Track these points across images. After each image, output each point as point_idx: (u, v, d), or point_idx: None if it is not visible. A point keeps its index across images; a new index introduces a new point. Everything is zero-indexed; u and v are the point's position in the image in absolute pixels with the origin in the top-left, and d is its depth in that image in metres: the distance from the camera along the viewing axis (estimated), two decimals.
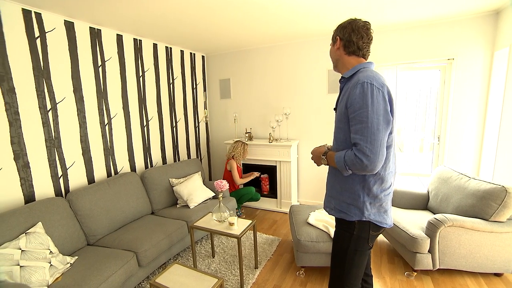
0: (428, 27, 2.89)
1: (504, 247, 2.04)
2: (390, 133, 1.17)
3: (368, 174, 1.18)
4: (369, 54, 1.30)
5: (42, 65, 2.20)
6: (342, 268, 1.29)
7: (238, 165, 3.49)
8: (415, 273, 2.24)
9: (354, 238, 1.25)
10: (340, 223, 1.32)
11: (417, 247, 2.10)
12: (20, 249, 1.70)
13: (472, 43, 2.74)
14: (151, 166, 3.36)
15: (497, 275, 2.18)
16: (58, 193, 2.36)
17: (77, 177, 2.51)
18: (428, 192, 2.77)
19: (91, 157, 2.62)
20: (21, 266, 1.63)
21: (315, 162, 1.37)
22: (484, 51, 2.70)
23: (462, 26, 2.75)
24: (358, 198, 1.21)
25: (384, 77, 3.23)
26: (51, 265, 1.76)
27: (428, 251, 2.12)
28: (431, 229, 2.11)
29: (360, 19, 1.27)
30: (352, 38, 1.24)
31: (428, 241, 2.09)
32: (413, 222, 2.36)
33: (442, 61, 2.98)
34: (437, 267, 2.12)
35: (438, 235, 2.08)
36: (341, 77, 1.31)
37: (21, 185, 2.11)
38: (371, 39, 1.27)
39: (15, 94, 2.05)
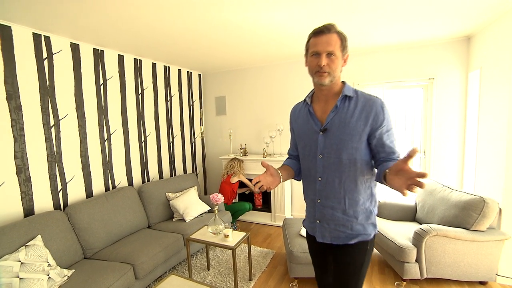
0: (411, 49, 3.13)
1: (486, 255, 2.15)
2: None
3: (374, 187, 1.22)
4: None
5: (48, 84, 2.33)
6: (357, 283, 1.26)
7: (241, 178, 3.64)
8: (405, 283, 2.31)
9: (368, 254, 1.24)
10: (354, 247, 1.21)
11: (405, 256, 2.19)
12: (20, 261, 1.74)
13: (450, 64, 2.97)
14: (148, 180, 3.43)
15: (482, 283, 2.27)
16: (57, 207, 2.42)
17: (76, 191, 2.57)
18: (416, 204, 2.89)
19: (90, 172, 2.70)
20: (20, 278, 1.67)
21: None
22: (460, 72, 2.93)
23: (440, 49, 2.99)
24: (370, 214, 1.21)
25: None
26: (49, 277, 1.80)
27: (416, 260, 2.21)
28: (417, 239, 2.21)
29: None
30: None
31: (415, 250, 2.19)
32: (401, 233, 2.46)
33: (424, 80, 3.20)
34: (425, 276, 2.21)
35: (424, 245, 2.18)
36: (344, 95, 1.16)
37: (21, 199, 2.17)
38: None
39: (21, 111, 2.16)
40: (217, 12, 2.05)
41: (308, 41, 1.18)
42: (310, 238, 1.40)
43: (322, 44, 1.10)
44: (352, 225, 1.19)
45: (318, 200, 1.24)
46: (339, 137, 1.15)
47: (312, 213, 1.30)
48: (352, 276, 1.24)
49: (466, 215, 2.20)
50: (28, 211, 2.21)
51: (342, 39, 1.13)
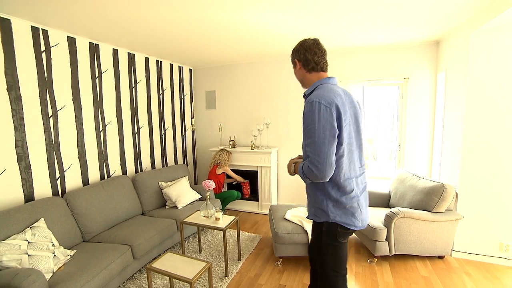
0: (388, 50, 3.41)
1: (443, 233, 2.47)
2: (340, 144, 1.29)
3: (326, 182, 1.33)
4: (327, 65, 1.46)
5: (46, 76, 2.43)
6: (321, 257, 1.50)
7: (225, 170, 3.82)
8: (376, 259, 2.61)
9: (324, 234, 1.44)
10: (314, 224, 1.56)
11: (376, 235, 2.48)
12: (27, 240, 1.89)
13: (422, 66, 3.28)
14: (141, 170, 3.57)
15: (440, 257, 2.62)
16: (55, 194, 2.54)
17: (73, 179, 2.70)
18: (390, 192, 3.21)
19: (86, 161, 2.82)
20: (29, 255, 1.81)
21: (288, 172, 1.55)
22: (430, 72, 3.24)
23: (414, 51, 3.29)
24: (321, 203, 1.39)
25: (350, 91, 3.71)
26: (54, 255, 1.95)
27: (386, 239, 2.51)
28: (387, 220, 2.51)
29: (309, 38, 1.46)
30: (308, 57, 1.41)
31: (385, 230, 2.49)
32: (375, 216, 2.75)
33: (400, 79, 3.50)
34: (393, 252, 2.51)
35: (393, 225, 2.48)
36: (303, 93, 1.48)
37: (22, 185, 2.28)
38: (324, 51, 1.44)
39: (21, 101, 2.25)
40: (209, 12, 2.21)
41: None
42: None
43: None
44: (311, 205, 1.49)
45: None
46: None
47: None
48: (316, 250, 1.56)
49: (429, 199, 2.51)
50: (29, 197, 2.33)
51: (291, 55, 1.50)
